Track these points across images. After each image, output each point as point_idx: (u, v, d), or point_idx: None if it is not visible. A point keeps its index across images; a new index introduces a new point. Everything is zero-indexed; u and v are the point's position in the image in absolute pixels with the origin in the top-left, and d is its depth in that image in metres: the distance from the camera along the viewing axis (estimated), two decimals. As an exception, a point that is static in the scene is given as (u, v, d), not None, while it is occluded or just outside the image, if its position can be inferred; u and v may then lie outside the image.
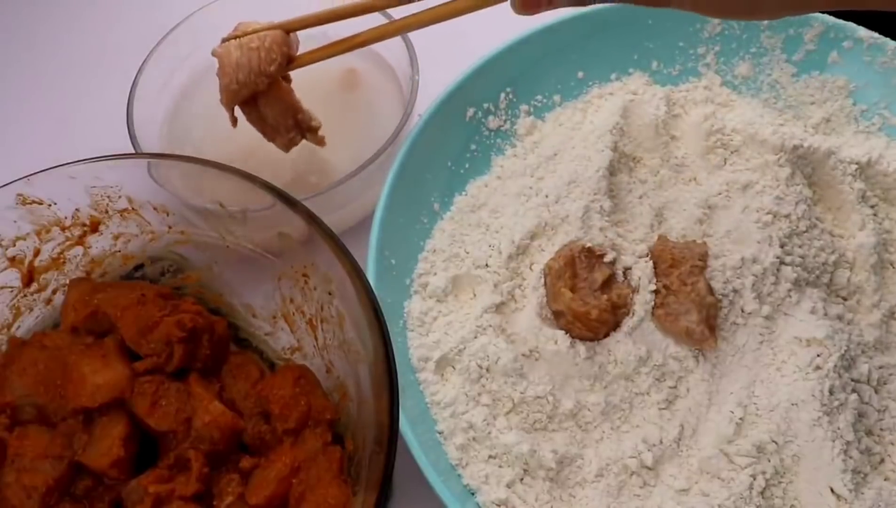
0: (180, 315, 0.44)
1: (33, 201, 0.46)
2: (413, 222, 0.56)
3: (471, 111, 0.60)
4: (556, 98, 0.63)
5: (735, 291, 0.50)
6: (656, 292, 0.50)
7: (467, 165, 0.60)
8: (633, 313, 0.49)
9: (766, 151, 0.56)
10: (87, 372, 0.43)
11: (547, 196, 0.55)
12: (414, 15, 0.51)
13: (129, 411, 0.43)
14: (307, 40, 0.54)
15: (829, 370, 0.47)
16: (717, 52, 0.63)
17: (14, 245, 0.47)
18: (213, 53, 0.52)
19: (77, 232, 0.48)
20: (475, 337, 0.50)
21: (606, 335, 0.49)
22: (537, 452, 0.46)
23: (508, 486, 0.46)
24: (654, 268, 0.51)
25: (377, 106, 0.63)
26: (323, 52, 0.53)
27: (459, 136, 0.59)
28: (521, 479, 0.47)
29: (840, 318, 0.50)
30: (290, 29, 0.52)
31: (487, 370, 0.49)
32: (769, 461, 0.46)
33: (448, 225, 0.57)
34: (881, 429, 0.48)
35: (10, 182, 0.46)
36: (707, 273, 0.51)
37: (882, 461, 0.47)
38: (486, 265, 0.54)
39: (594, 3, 0.43)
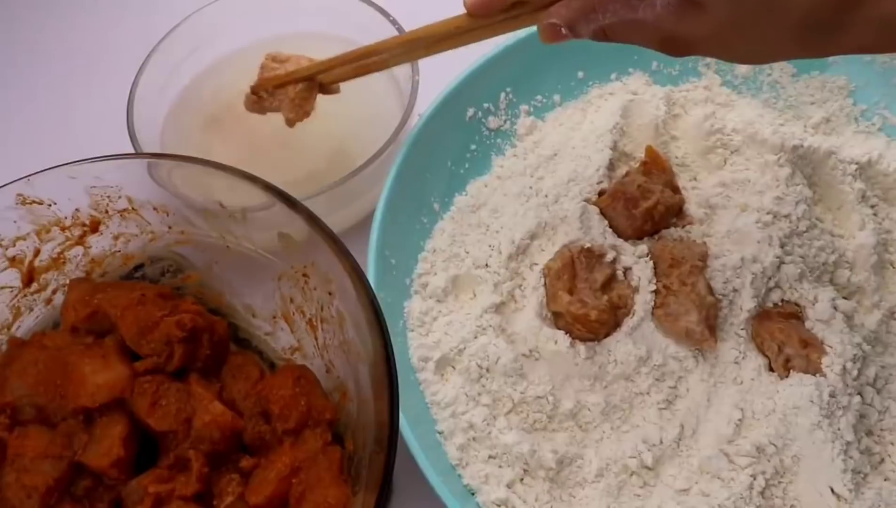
0: (180, 315, 0.44)
1: (33, 201, 0.46)
2: (413, 222, 0.56)
3: (471, 111, 0.60)
4: (556, 98, 0.63)
5: (735, 291, 0.50)
6: (656, 292, 0.50)
7: (467, 165, 0.60)
8: (633, 314, 0.49)
9: (766, 151, 0.56)
10: (87, 372, 0.43)
11: (547, 196, 0.55)
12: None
13: (129, 411, 0.43)
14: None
15: (832, 374, 0.47)
16: (717, 52, 0.63)
17: (14, 245, 0.47)
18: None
19: (77, 232, 0.48)
20: (475, 337, 0.50)
21: (606, 335, 0.49)
22: (537, 452, 0.46)
23: (508, 486, 0.46)
24: (654, 268, 0.51)
25: (377, 106, 0.63)
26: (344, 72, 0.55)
27: (459, 136, 0.59)
28: (521, 479, 0.47)
29: (846, 319, 0.50)
30: (322, 80, 0.55)
31: (487, 370, 0.49)
32: (769, 461, 0.46)
33: (448, 225, 0.56)
34: (881, 429, 0.48)
35: (10, 182, 0.46)
36: (707, 273, 0.51)
37: (882, 461, 0.47)
38: (486, 265, 0.54)
39: (616, 40, 0.42)
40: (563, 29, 0.43)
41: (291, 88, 0.55)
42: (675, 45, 0.41)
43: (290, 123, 0.56)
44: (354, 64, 0.53)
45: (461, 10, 0.48)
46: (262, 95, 0.56)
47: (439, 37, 0.49)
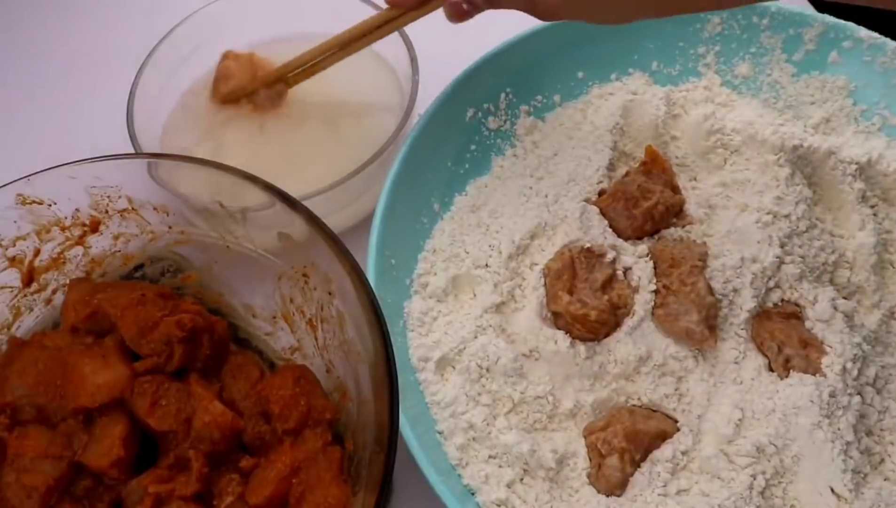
0: (180, 315, 0.44)
1: (33, 201, 0.46)
2: (413, 222, 0.56)
3: (471, 111, 0.60)
4: (556, 98, 0.63)
5: (735, 291, 0.50)
6: (656, 292, 0.50)
7: (467, 165, 0.60)
8: (633, 313, 0.49)
9: (766, 151, 0.56)
10: (87, 372, 0.43)
11: (546, 196, 0.55)
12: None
13: (129, 411, 0.43)
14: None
15: (832, 374, 0.47)
16: (717, 52, 0.63)
17: (14, 245, 0.47)
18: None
19: (77, 232, 0.48)
20: (475, 337, 0.50)
21: (606, 335, 0.49)
22: (537, 452, 0.46)
23: (508, 486, 0.46)
24: (654, 268, 0.51)
25: (377, 106, 0.63)
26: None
27: (459, 136, 0.59)
28: (521, 479, 0.47)
29: (846, 319, 0.50)
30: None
31: (487, 370, 0.49)
32: (769, 461, 0.46)
33: (448, 225, 0.56)
34: (881, 429, 0.48)
35: (10, 182, 0.46)
36: (707, 273, 0.51)
37: (882, 461, 0.47)
38: (486, 265, 0.54)
39: (498, 6, 0.49)
40: (464, 5, 0.51)
41: (260, 95, 0.61)
42: (538, 9, 0.47)
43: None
44: (310, 64, 0.59)
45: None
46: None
47: (369, 29, 0.57)
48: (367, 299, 0.40)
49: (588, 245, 0.51)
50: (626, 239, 0.53)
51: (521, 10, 0.48)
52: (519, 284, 0.52)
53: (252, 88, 0.61)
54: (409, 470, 0.44)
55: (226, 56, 0.63)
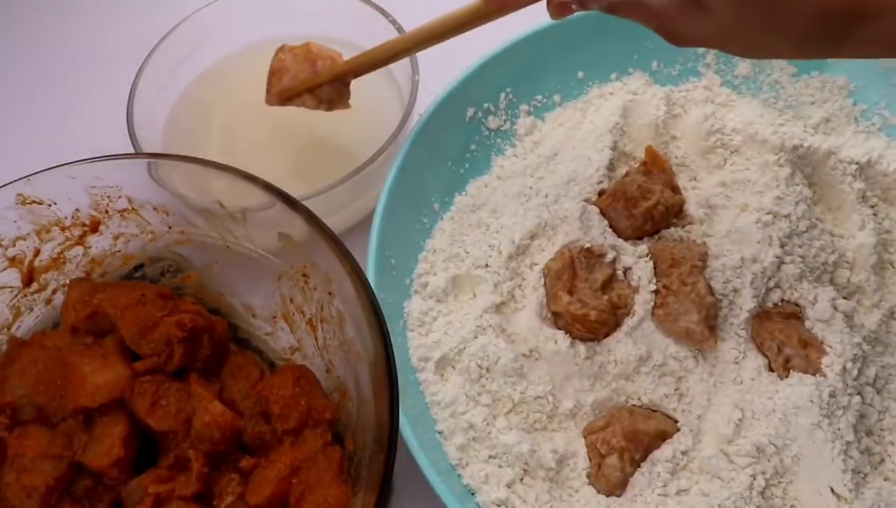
0: (180, 315, 0.44)
1: (33, 201, 0.46)
2: (413, 222, 0.56)
3: (471, 111, 0.60)
4: (556, 98, 0.63)
5: (735, 291, 0.50)
6: (656, 292, 0.50)
7: (467, 165, 0.60)
8: (633, 314, 0.49)
9: (766, 151, 0.56)
10: (87, 372, 0.43)
11: (547, 196, 0.55)
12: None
13: (130, 411, 0.43)
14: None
15: (832, 374, 0.47)
16: (717, 52, 0.63)
17: (14, 245, 0.47)
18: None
19: (77, 232, 0.48)
20: (475, 337, 0.50)
21: (606, 335, 0.49)
22: (537, 452, 0.46)
23: (508, 486, 0.46)
24: (654, 268, 0.51)
25: (377, 106, 0.63)
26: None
27: (459, 136, 0.59)
28: (521, 479, 0.47)
29: (846, 319, 0.50)
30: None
31: (487, 370, 0.49)
32: (769, 461, 0.46)
33: (448, 225, 0.57)
34: (881, 429, 0.48)
35: (10, 182, 0.46)
36: (707, 273, 0.51)
37: (882, 461, 0.47)
38: (486, 265, 0.54)
39: (620, 15, 0.44)
40: (573, 5, 0.46)
41: (324, 90, 0.55)
42: (675, 35, 0.42)
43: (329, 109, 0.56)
44: (377, 60, 0.54)
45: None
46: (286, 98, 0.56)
47: (458, 24, 0.50)
48: (367, 299, 0.40)
49: (588, 245, 0.51)
50: (626, 239, 0.53)
51: (647, 26, 0.43)
52: (519, 284, 0.52)
53: (314, 82, 0.54)
54: (409, 470, 0.44)
55: (280, 50, 0.55)
